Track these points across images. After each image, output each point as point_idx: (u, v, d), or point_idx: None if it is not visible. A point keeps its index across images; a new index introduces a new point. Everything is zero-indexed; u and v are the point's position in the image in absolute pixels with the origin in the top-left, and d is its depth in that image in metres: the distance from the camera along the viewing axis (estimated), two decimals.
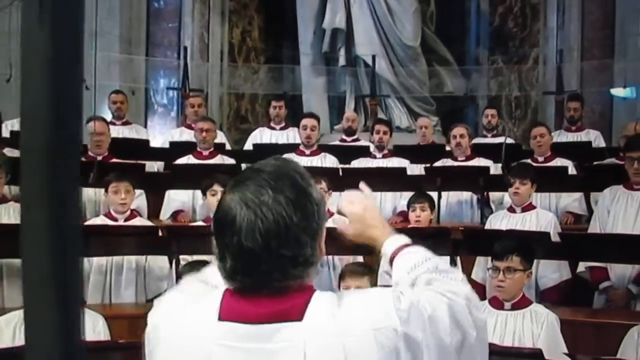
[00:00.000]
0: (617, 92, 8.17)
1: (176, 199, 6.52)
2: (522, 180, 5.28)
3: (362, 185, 1.81)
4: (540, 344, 3.53)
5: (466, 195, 6.40)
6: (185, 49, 9.51)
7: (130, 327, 4.24)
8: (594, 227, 5.22)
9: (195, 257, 5.11)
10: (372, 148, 7.19)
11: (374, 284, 3.98)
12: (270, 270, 1.37)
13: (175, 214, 6.45)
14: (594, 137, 7.21)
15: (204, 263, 4.05)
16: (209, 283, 1.61)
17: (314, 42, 10.80)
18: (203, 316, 1.41)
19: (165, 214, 6.48)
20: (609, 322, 4.49)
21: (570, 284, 5.10)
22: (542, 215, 5.32)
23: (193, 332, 1.40)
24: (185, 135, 7.88)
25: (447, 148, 6.95)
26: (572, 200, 5.97)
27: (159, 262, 5.33)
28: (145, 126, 9.30)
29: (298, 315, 1.36)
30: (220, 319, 1.38)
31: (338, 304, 1.39)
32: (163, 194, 6.55)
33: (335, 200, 6.28)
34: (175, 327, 1.44)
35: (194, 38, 10.40)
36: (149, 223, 5.68)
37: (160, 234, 5.21)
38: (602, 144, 7.13)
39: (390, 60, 10.13)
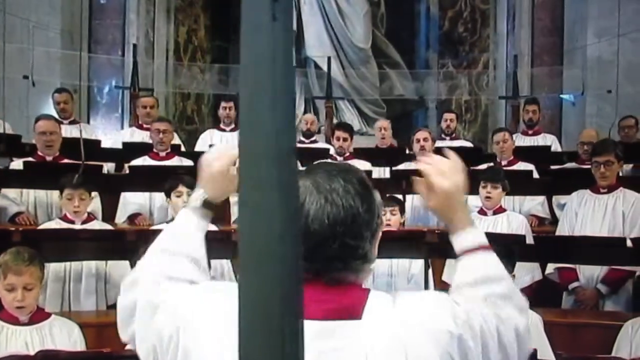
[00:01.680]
0: (568, 96, 8.35)
1: (133, 201, 6.26)
2: (494, 184, 5.30)
3: (449, 153, 1.67)
4: None
5: None
6: (135, 46, 9.17)
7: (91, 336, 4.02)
8: (563, 230, 5.29)
9: None
10: (332, 151, 7.09)
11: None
12: (333, 257, 1.37)
13: (132, 217, 6.18)
14: (551, 141, 7.33)
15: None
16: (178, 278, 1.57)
17: None
18: None
19: (121, 217, 6.20)
20: (580, 322, 4.59)
21: (540, 285, 5.14)
22: (513, 218, 5.35)
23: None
24: (137, 135, 7.60)
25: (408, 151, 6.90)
26: (536, 204, 6.02)
27: (120, 268, 5.10)
28: None
29: (358, 313, 1.36)
30: None
31: (394, 303, 1.40)
32: (118, 196, 6.27)
33: None
34: (219, 321, 1.35)
35: (139, 36, 10.06)
36: (108, 226, 5.43)
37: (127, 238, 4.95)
38: (559, 148, 7.25)
39: (341, 62, 10.09)
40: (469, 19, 10.22)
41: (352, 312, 1.37)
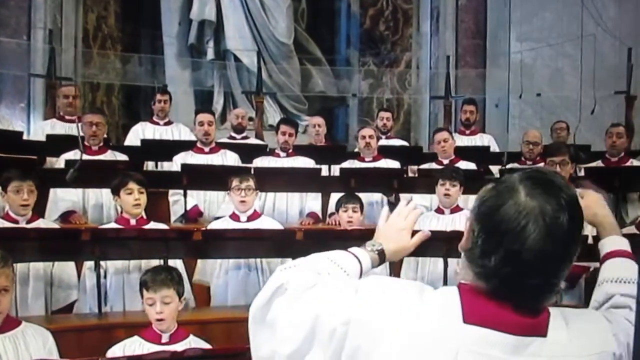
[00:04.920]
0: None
1: (65, 198, 5.82)
2: (452, 182, 5.35)
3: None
4: None
5: (377, 196, 6.33)
6: (51, 31, 8.55)
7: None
8: None
9: (118, 262, 4.64)
10: (270, 146, 6.92)
11: None
12: (534, 287, 1.35)
13: (65, 216, 5.73)
14: (488, 141, 7.48)
15: (168, 269, 3.65)
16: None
17: (179, 33, 10.23)
18: (438, 316, 1.35)
19: (52, 215, 5.72)
20: None
21: None
22: None
23: (432, 333, 1.33)
24: (59, 128, 7.07)
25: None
26: None
27: (67, 269, 4.75)
28: None
29: (544, 331, 1.36)
30: (466, 321, 1.33)
31: (566, 322, 1.42)
32: (47, 192, 5.79)
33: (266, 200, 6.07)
34: (405, 326, 1.33)
35: (46, 21, 9.37)
36: (54, 225, 5.02)
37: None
38: (497, 148, 7.41)
39: (262, 56, 9.83)
40: (391, 18, 10.28)
41: (541, 329, 1.37)
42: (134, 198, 4.69)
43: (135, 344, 3.40)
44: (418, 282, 1.48)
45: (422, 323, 1.33)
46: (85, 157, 6.11)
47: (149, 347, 3.36)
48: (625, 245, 1.77)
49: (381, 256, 1.69)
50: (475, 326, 1.32)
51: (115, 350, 3.40)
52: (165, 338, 3.41)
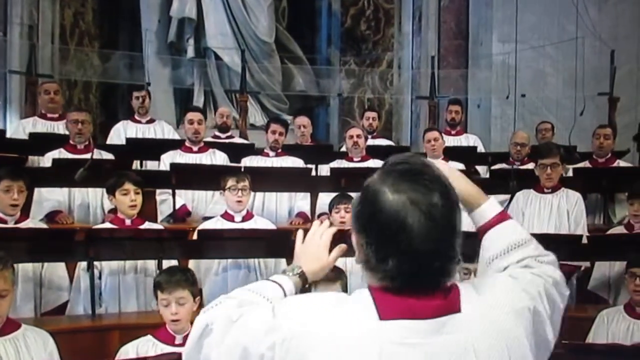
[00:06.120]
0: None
1: (51, 198, 5.71)
2: None
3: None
4: None
5: None
6: (31, 27, 8.36)
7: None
8: None
9: (113, 263, 4.55)
10: (256, 145, 6.87)
11: (344, 288, 3.86)
12: (434, 272, 1.40)
13: (51, 215, 5.62)
14: (474, 141, 7.52)
15: (183, 270, 3.61)
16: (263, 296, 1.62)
17: (159, 30, 10.11)
18: (356, 318, 1.39)
19: (36, 215, 5.59)
20: None
21: None
22: (464, 216, 5.41)
23: (353, 334, 1.37)
24: (40, 126, 6.93)
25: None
26: None
27: (58, 270, 4.67)
28: None
29: (458, 307, 1.42)
30: (382, 318, 1.38)
31: (477, 293, 1.48)
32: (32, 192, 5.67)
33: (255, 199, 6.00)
34: (328, 333, 1.38)
35: (23, 16, 9.18)
36: (43, 225, 4.92)
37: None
38: (482, 149, 7.46)
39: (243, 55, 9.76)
40: (372, 18, 10.29)
41: (454, 306, 1.42)
42: (130, 199, 4.65)
43: (149, 344, 3.36)
44: (332, 292, 1.57)
45: (342, 328, 1.38)
46: (71, 156, 6.03)
47: (162, 348, 3.32)
48: (493, 209, 1.71)
49: (302, 278, 1.74)
50: (391, 321, 1.37)
51: (128, 349, 3.37)
52: (179, 339, 3.37)
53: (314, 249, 1.78)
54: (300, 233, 1.84)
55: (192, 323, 3.38)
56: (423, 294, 1.39)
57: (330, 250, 1.80)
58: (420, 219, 1.35)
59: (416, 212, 1.35)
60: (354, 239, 1.47)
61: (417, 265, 1.37)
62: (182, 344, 3.35)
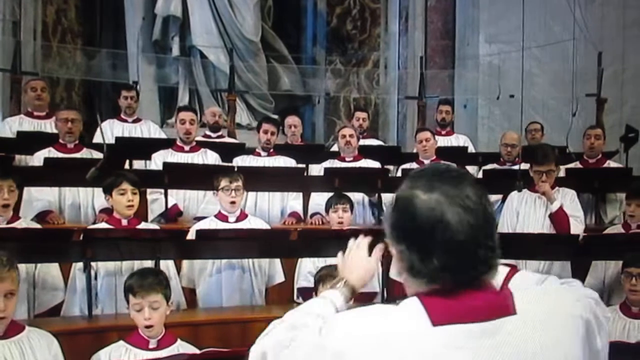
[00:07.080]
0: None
1: (41, 197, 5.63)
2: None
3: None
4: None
5: (358, 196, 6.31)
6: (15, 24, 8.21)
7: None
8: (503, 228, 5.44)
9: (109, 264, 4.49)
10: (247, 145, 6.84)
11: None
12: (477, 262, 1.40)
13: (41, 215, 5.53)
14: (464, 141, 7.55)
15: (155, 272, 3.55)
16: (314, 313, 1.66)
17: (143, 28, 9.99)
18: (407, 325, 1.38)
19: (26, 215, 5.50)
20: None
21: None
22: None
23: (404, 341, 1.36)
24: (27, 125, 6.82)
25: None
26: None
27: (52, 271, 4.60)
28: None
29: (513, 309, 1.41)
30: (434, 324, 1.37)
31: (531, 298, 1.47)
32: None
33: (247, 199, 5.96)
34: (378, 342, 1.37)
35: (5, 12, 9.02)
36: (36, 225, 4.84)
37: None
38: (473, 149, 7.48)
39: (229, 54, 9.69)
40: (358, 17, 10.29)
41: (509, 308, 1.41)
42: (127, 199, 4.58)
43: (121, 350, 3.30)
44: (379, 304, 1.54)
45: (393, 335, 1.38)
46: (62, 155, 5.95)
47: (136, 353, 3.26)
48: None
49: (349, 287, 1.83)
50: (444, 326, 1.37)
51: (100, 356, 3.31)
52: (152, 344, 3.32)
53: (355, 259, 1.89)
54: (339, 254, 1.94)
55: (165, 327, 3.36)
56: (473, 291, 1.40)
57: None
58: (458, 211, 1.38)
59: (452, 206, 1.38)
60: (392, 251, 1.48)
61: (462, 257, 1.39)
62: (156, 348, 3.31)
